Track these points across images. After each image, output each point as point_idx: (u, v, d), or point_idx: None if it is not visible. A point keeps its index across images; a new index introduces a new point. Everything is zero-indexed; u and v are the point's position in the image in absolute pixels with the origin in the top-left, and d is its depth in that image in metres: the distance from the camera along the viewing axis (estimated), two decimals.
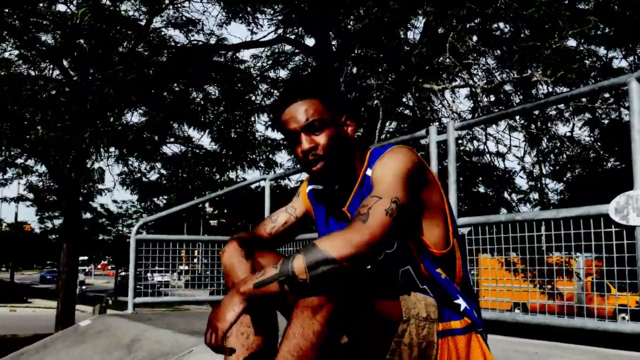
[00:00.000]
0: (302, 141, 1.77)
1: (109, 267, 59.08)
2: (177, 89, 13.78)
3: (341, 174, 1.85)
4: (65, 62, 13.29)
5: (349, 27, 11.39)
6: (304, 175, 13.68)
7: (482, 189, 12.62)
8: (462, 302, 1.79)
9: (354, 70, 11.44)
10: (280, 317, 1.83)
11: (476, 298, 1.90)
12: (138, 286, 6.34)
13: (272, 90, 14.37)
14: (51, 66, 13.57)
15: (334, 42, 11.98)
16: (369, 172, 1.81)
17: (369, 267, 1.84)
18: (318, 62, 12.21)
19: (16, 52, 13.44)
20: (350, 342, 1.67)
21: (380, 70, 10.91)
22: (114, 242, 39.13)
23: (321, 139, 1.77)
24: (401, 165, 1.70)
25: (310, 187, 2.09)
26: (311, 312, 1.53)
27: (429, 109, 12.74)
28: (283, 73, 14.39)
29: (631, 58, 11.05)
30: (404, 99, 12.03)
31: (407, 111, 13.19)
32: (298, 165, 5.73)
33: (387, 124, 12.48)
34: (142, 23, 12.70)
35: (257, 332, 1.81)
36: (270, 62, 14.17)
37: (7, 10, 11.73)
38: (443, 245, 1.80)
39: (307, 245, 1.54)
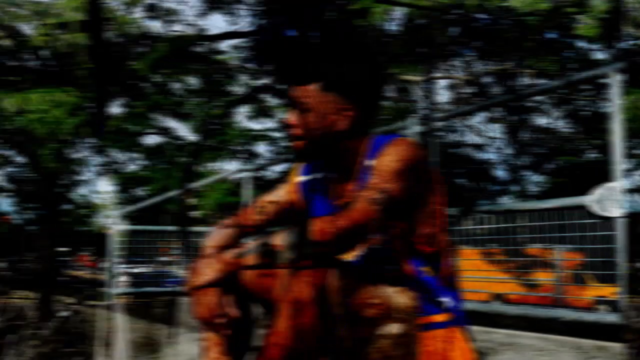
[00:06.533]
0: (289, 115, 1.75)
1: (90, 259, 58.81)
2: (156, 79, 13.66)
3: (333, 163, 1.80)
4: None
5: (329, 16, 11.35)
6: (284, 167, 13.67)
7: (461, 180, 12.65)
8: (446, 300, 1.77)
9: None
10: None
11: (460, 293, 1.88)
12: (119, 277, 6.32)
13: (252, 82, 14.33)
14: None
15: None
16: (368, 162, 1.74)
17: (352, 261, 1.77)
18: None
19: None
20: (331, 335, 1.65)
21: None
22: (94, 233, 38.87)
23: (305, 118, 1.73)
24: (402, 158, 1.65)
25: (303, 178, 1.99)
26: (299, 306, 1.55)
27: (408, 100, 12.75)
28: None
29: (611, 50, 11.13)
30: None
31: (386, 102, 13.19)
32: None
33: None
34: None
35: (232, 323, 1.73)
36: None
37: None
38: (434, 243, 1.77)
39: (292, 224, 1.56)
